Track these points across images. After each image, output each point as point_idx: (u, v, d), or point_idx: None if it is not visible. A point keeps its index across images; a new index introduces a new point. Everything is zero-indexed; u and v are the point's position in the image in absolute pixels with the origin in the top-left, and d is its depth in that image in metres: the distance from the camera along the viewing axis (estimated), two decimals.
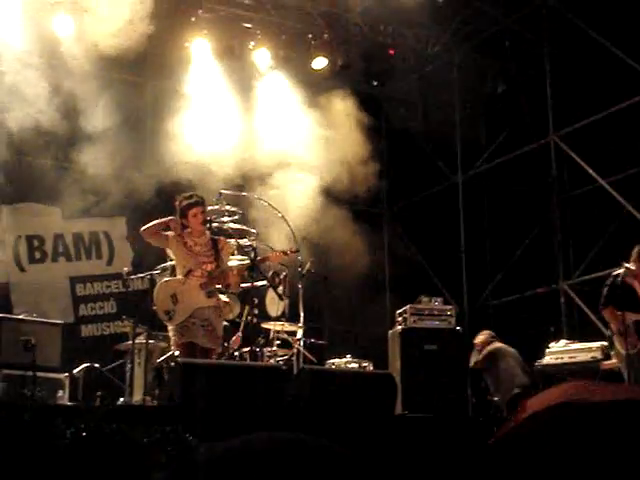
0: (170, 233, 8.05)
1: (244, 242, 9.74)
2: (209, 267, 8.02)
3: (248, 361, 8.92)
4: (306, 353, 9.61)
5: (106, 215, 12.00)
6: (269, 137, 12.00)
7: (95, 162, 10.87)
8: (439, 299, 10.19)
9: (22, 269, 11.83)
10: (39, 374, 7.63)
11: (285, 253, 8.52)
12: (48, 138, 10.92)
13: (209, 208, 9.17)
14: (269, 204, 9.94)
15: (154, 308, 8.04)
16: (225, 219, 9.72)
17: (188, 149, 11.35)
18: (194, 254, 8.04)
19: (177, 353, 7.88)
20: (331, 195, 11.75)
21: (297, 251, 8.97)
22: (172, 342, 8.05)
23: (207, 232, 8.19)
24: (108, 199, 11.22)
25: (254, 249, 9.34)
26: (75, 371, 9.47)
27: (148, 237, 8.10)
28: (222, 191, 9.92)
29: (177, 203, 8.15)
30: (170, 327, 8.07)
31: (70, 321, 11.40)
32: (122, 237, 12.22)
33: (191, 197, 8.17)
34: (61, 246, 12.14)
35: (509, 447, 3.19)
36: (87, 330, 12.05)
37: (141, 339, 9.38)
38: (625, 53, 11.43)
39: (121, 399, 9.12)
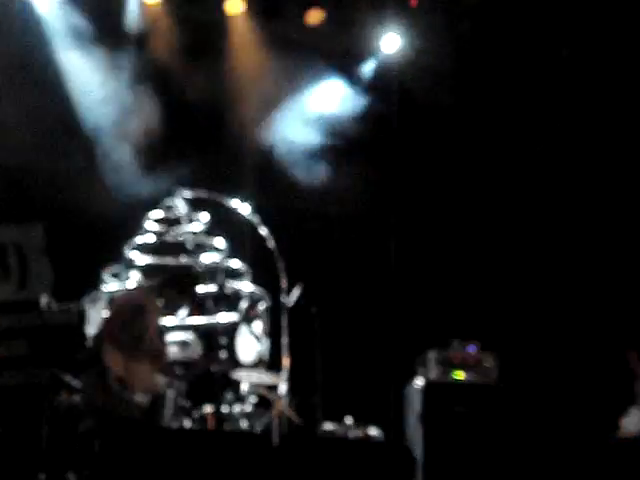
0: None
1: (209, 260, 9.13)
2: None
3: (212, 424, 8.42)
4: (291, 414, 8.48)
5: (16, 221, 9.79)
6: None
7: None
8: (474, 344, 9.33)
9: None
10: None
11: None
12: None
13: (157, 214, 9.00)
14: (239, 212, 9.01)
15: None
16: (183, 229, 9.04)
17: None
18: None
19: None
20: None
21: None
22: None
23: None
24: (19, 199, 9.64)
25: (224, 270, 9.04)
26: None
27: None
28: (180, 190, 9.00)
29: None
30: None
31: None
32: (40, 251, 9.80)
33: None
34: None
35: None
36: None
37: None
38: None
39: None
